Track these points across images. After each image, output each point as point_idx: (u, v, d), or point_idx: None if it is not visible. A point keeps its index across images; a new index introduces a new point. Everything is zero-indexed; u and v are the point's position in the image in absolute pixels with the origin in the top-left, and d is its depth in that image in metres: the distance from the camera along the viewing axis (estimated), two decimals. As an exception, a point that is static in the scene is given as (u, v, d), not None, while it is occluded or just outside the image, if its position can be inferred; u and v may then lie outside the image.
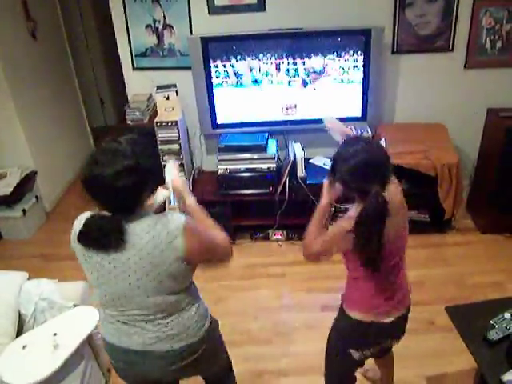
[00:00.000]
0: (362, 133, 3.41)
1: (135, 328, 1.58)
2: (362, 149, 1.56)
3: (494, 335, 1.97)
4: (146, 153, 1.48)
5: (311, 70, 3.39)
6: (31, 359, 1.98)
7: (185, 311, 1.61)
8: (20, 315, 2.17)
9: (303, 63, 3.36)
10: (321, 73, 3.40)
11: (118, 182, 1.37)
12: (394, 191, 1.66)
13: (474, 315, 2.13)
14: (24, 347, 2.02)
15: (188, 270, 1.54)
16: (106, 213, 1.46)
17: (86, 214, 1.50)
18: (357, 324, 1.81)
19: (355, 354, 1.87)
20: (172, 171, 1.74)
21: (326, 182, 1.80)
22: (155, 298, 1.52)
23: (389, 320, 1.81)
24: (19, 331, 2.16)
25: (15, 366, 1.96)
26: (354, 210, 1.64)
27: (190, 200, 1.73)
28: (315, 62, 3.35)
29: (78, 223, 1.51)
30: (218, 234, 1.65)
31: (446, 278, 3.23)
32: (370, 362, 2.33)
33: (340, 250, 1.71)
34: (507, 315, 2.07)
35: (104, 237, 1.43)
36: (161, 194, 1.64)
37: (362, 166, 1.54)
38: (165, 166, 1.86)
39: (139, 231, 1.46)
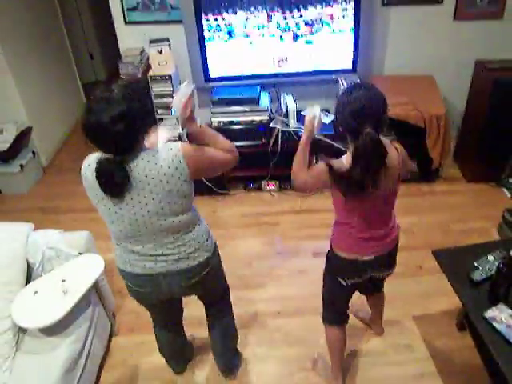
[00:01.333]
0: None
1: (158, 255, 1.77)
2: (361, 94, 1.67)
3: (477, 276, 2.10)
4: (138, 96, 1.57)
5: (302, 22, 3.39)
6: (42, 304, 2.09)
7: (196, 228, 1.81)
8: (28, 264, 2.25)
9: (293, 16, 3.36)
10: (311, 24, 3.40)
11: (113, 127, 1.48)
12: (390, 152, 1.74)
13: (459, 258, 2.25)
14: (35, 293, 2.12)
15: (192, 187, 1.71)
16: (109, 156, 1.57)
17: (93, 157, 1.63)
18: (341, 259, 1.97)
19: (342, 281, 2.03)
20: (182, 93, 1.78)
21: (307, 116, 1.95)
22: (172, 219, 1.70)
23: (371, 257, 1.94)
24: (28, 279, 2.25)
25: (28, 311, 2.07)
26: (339, 159, 1.76)
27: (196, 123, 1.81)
28: (306, 13, 3.35)
29: (87, 164, 1.64)
30: (225, 147, 1.78)
31: (433, 224, 3.35)
32: (361, 303, 2.49)
33: (324, 185, 1.81)
34: (490, 257, 2.19)
35: (115, 185, 1.58)
36: (164, 133, 1.75)
37: (359, 109, 1.65)
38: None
39: (144, 167, 1.59)
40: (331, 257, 2.04)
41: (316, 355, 2.49)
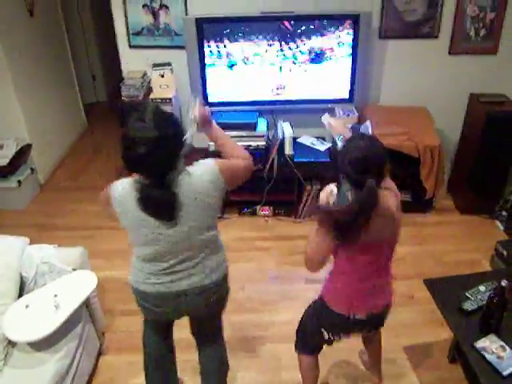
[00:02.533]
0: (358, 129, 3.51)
1: (183, 271, 1.82)
2: (362, 145, 1.69)
3: (468, 306, 2.12)
4: (169, 122, 1.65)
5: (301, 53, 3.48)
6: (33, 318, 2.09)
7: (220, 246, 1.91)
8: (21, 278, 2.26)
9: (293, 46, 3.44)
10: (310, 55, 3.49)
11: (152, 155, 1.56)
12: (389, 198, 1.76)
13: (450, 288, 2.27)
14: (27, 307, 2.12)
15: (221, 201, 1.80)
16: (148, 181, 1.63)
17: (126, 182, 1.70)
18: (331, 313, 1.93)
19: (325, 334, 2.01)
20: (195, 107, 1.91)
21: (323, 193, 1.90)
22: (206, 234, 1.78)
23: (363, 317, 1.91)
24: (20, 293, 2.25)
25: (19, 324, 2.07)
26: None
27: (214, 124, 1.93)
28: (305, 44, 3.44)
29: (120, 187, 1.71)
30: (241, 155, 1.86)
31: (425, 255, 3.36)
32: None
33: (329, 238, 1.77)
34: (482, 288, 2.21)
35: (163, 208, 1.66)
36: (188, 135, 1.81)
37: (360, 160, 1.66)
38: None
39: (184, 183, 1.67)
40: (321, 308, 2.00)
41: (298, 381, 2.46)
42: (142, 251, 1.79)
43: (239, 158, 1.85)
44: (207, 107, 1.95)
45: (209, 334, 2.20)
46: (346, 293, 1.90)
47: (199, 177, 1.70)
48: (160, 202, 1.64)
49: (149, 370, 2.23)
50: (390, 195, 1.78)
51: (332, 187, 1.88)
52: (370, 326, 2.02)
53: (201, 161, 1.77)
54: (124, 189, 1.69)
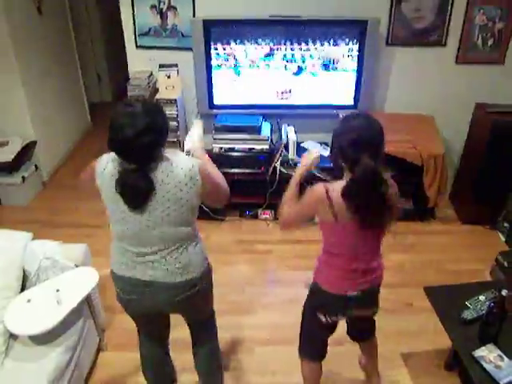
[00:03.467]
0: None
1: (149, 262, 1.80)
2: (358, 123, 1.70)
3: (468, 315, 2.12)
4: (157, 111, 1.69)
5: (307, 57, 3.49)
6: (35, 312, 2.10)
7: (191, 245, 1.85)
8: (24, 272, 2.28)
9: (300, 50, 3.46)
10: (316, 60, 3.50)
11: (138, 140, 1.58)
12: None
13: (450, 296, 2.27)
14: (29, 301, 2.14)
15: (198, 203, 1.80)
16: (131, 166, 1.64)
17: (108, 157, 1.73)
18: (323, 293, 1.94)
19: (322, 318, 1.99)
20: (193, 134, 1.99)
21: (307, 153, 1.99)
22: (174, 229, 1.76)
23: (357, 293, 1.90)
24: (23, 287, 2.26)
25: (20, 318, 2.08)
26: (336, 182, 1.76)
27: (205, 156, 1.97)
28: (311, 49, 3.46)
29: (105, 162, 1.74)
30: (221, 176, 1.90)
31: (426, 263, 3.35)
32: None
33: (312, 214, 1.83)
34: (482, 297, 2.21)
35: (139, 195, 1.67)
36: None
37: (357, 138, 1.66)
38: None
39: (162, 177, 1.67)
40: (314, 290, 2.00)
41: (296, 382, 2.45)
42: (114, 227, 1.80)
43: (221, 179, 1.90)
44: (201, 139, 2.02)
45: (199, 332, 2.19)
46: (336, 273, 1.89)
47: (179, 169, 1.69)
48: (134, 190, 1.65)
49: (147, 375, 2.25)
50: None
51: (316, 149, 1.92)
52: (365, 303, 1.99)
53: (185, 155, 1.78)
54: (108, 164, 1.72)
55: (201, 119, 2.02)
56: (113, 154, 1.70)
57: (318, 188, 1.75)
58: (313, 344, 2.16)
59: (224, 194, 1.91)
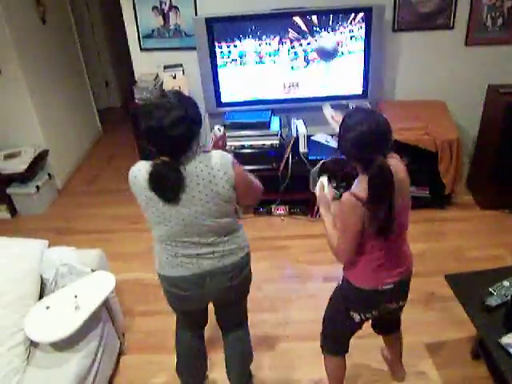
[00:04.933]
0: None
1: (202, 254, 1.85)
2: (363, 119, 1.62)
3: (492, 302, 2.07)
4: (191, 103, 1.72)
5: (313, 49, 3.46)
6: (54, 319, 2.11)
7: (237, 230, 1.93)
8: (42, 279, 2.29)
9: (306, 42, 3.43)
10: (323, 51, 3.46)
11: (173, 131, 1.62)
12: (396, 165, 1.70)
13: (473, 283, 2.22)
14: (47, 308, 2.14)
15: (235, 196, 1.81)
16: (164, 158, 1.67)
17: (143, 163, 1.74)
18: (359, 291, 1.89)
19: (356, 317, 1.95)
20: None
21: (317, 190, 1.93)
22: (217, 221, 1.80)
23: (389, 287, 1.87)
24: (41, 294, 2.28)
25: (40, 325, 2.09)
26: (355, 185, 1.71)
27: None
28: (317, 40, 3.42)
29: (137, 169, 1.75)
30: (252, 175, 1.93)
31: (445, 251, 3.30)
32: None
33: (356, 224, 1.70)
34: (506, 283, 2.16)
35: (169, 187, 1.69)
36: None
37: (365, 136, 1.60)
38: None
39: (195, 169, 1.71)
40: (347, 289, 1.94)
41: (317, 378, 2.45)
42: (155, 232, 1.84)
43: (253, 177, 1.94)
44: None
45: (233, 320, 2.22)
46: (369, 268, 1.85)
47: (213, 163, 1.72)
48: (168, 180, 1.67)
49: (180, 367, 2.27)
50: (394, 161, 1.72)
51: (322, 180, 1.92)
52: (398, 294, 1.96)
53: (219, 151, 1.81)
54: (139, 170, 1.74)
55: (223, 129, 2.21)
56: (143, 162, 1.74)
57: (349, 199, 1.68)
58: (339, 341, 2.13)
59: (256, 190, 1.96)
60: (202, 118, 1.78)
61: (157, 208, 1.74)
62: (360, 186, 1.67)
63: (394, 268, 1.86)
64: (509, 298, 2.04)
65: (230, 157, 1.78)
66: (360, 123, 1.61)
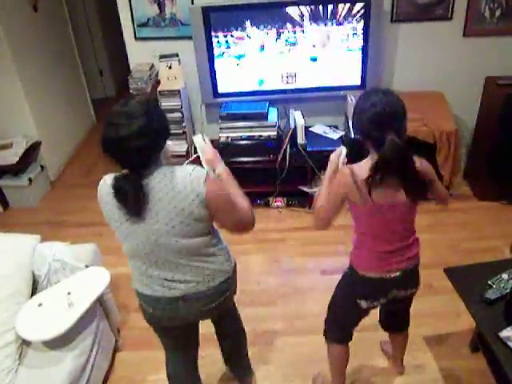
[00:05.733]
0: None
1: (175, 280, 1.71)
2: (379, 100, 1.62)
3: (491, 295, 2.06)
4: (157, 112, 1.57)
5: (311, 39, 3.40)
6: (47, 316, 2.06)
7: (215, 252, 1.75)
8: (34, 276, 2.24)
9: (303, 32, 3.38)
10: (321, 41, 3.42)
11: (132, 142, 1.48)
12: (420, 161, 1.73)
13: (471, 276, 2.21)
14: (40, 305, 2.10)
15: (209, 216, 1.63)
16: (125, 171, 1.56)
17: (109, 175, 1.62)
18: (365, 279, 1.88)
19: (363, 304, 1.93)
20: (201, 146, 1.84)
21: (334, 153, 1.88)
22: (187, 241, 1.63)
23: (398, 274, 1.86)
24: (33, 291, 2.23)
25: (32, 323, 2.05)
26: (359, 163, 1.73)
27: (221, 170, 1.80)
28: (315, 30, 3.37)
29: (102, 181, 1.65)
30: (241, 199, 1.74)
31: (443, 243, 3.29)
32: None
33: (343, 201, 1.76)
34: (505, 276, 2.15)
35: (130, 201, 1.55)
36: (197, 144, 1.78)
37: (379, 115, 1.60)
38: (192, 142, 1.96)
39: (158, 183, 1.56)
40: (353, 278, 1.93)
41: (317, 372, 2.43)
42: (123, 247, 1.71)
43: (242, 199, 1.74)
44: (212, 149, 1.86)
45: (228, 329, 2.18)
46: (374, 256, 1.84)
47: (178, 178, 1.56)
48: (127, 195, 1.53)
49: None
50: (418, 161, 1.73)
51: (342, 148, 1.86)
52: (406, 283, 1.94)
53: (190, 165, 1.63)
54: (104, 181, 1.64)
55: (201, 135, 1.90)
56: (111, 174, 1.62)
57: (344, 172, 1.72)
58: (344, 328, 2.11)
59: (242, 219, 1.71)
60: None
61: (121, 222, 1.62)
62: (364, 165, 1.69)
63: (399, 255, 1.85)
64: (507, 290, 2.04)
65: (202, 172, 1.59)
66: (374, 104, 1.61)
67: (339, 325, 2.11)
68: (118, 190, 1.55)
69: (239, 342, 2.28)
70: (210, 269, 1.73)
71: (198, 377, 2.19)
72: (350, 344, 2.14)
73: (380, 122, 1.60)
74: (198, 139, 1.86)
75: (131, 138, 1.47)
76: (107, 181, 1.61)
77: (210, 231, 1.71)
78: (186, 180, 1.56)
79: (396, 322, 2.24)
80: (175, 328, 1.91)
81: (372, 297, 1.93)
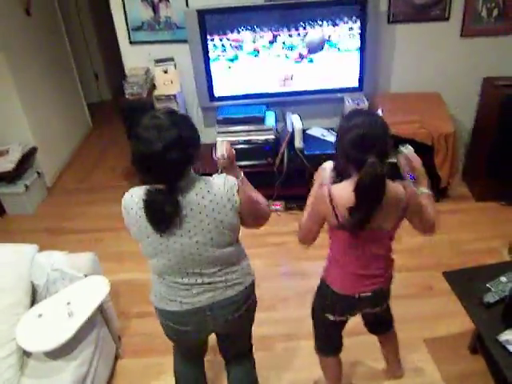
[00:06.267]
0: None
1: (204, 285, 1.71)
2: (361, 122, 1.61)
3: (490, 298, 2.06)
4: (186, 123, 1.56)
5: (307, 41, 3.39)
6: (47, 327, 2.05)
7: (242, 259, 1.80)
8: (33, 286, 2.22)
9: (299, 34, 3.37)
10: (317, 43, 3.41)
11: (166, 155, 1.45)
12: (395, 187, 1.69)
13: (471, 279, 2.21)
14: (40, 316, 2.08)
15: (239, 223, 1.69)
16: (159, 186, 1.52)
17: (137, 190, 1.60)
18: (335, 295, 1.89)
19: (330, 317, 1.95)
20: (221, 148, 1.81)
21: (320, 168, 1.89)
22: (220, 251, 1.66)
23: (369, 294, 1.86)
24: (33, 302, 2.22)
25: (33, 334, 2.03)
26: (338, 184, 1.71)
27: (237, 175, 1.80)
28: (311, 33, 3.36)
29: (130, 196, 1.61)
30: (258, 195, 1.79)
31: (442, 244, 3.29)
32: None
33: (321, 219, 1.76)
34: (503, 279, 2.15)
35: (165, 217, 1.53)
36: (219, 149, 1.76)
37: (360, 137, 1.58)
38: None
39: (195, 197, 1.56)
40: (323, 291, 1.95)
41: (318, 377, 2.41)
42: (152, 264, 1.70)
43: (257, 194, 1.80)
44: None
45: (238, 351, 2.11)
46: (348, 277, 1.85)
47: (215, 189, 1.58)
48: (164, 211, 1.51)
49: None
50: (398, 185, 1.70)
51: (326, 164, 1.85)
52: (375, 302, 1.95)
53: (221, 175, 1.66)
54: (132, 197, 1.60)
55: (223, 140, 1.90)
56: (136, 188, 1.60)
57: (322, 190, 1.71)
58: (326, 340, 2.13)
59: (263, 213, 1.79)
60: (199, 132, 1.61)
61: (153, 239, 1.60)
62: (344, 188, 1.67)
63: (374, 278, 1.85)
64: (506, 293, 2.04)
65: (234, 181, 1.62)
66: (357, 125, 1.60)
67: (321, 337, 2.13)
68: (153, 205, 1.52)
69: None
70: (238, 273, 1.76)
71: (205, 380, 2.20)
72: (347, 347, 2.15)
73: (361, 144, 1.58)
74: (220, 143, 1.85)
75: (165, 150, 1.45)
76: (135, 196, 1.59)
77: (238, 238, 1.76)
78: (222, 191, 1.58)
79: (378, 324, 2.25)
80: (196, 343, 1.95)
81: (338, 312, 1.94)
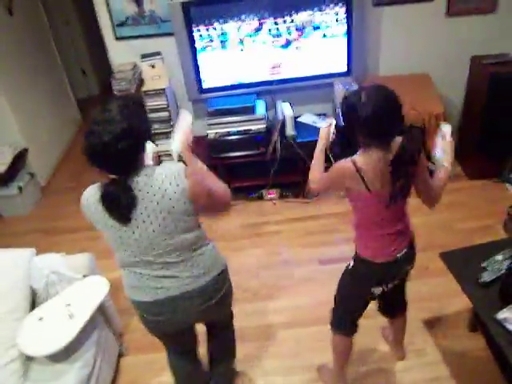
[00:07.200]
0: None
1: (170, 277, 1.72)
2: (383, 97, 1.63)
3: (486, 277, 2.08)
4: (136, 115, 1.59)
5: (294, 28, 3.37)
6: (48, 330, 2.05)
7: (204, 247, 1.78)
8: (32, 290, 2.23)
9: (285, 21, 3.34)
10: (303, 29, 3.38)
11: (116, 146, 1.49)
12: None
13: (466, 259, 2.23)
14: (40, 319, 2.09)
15: (194, 209, 1.67)
16: (112, 176, 1.57)
17: (93, 187, 1.64)
18: (376, 266, 1.90)
19: (378, 291, 1.97)
20: (187, 124, 1.84)
21: (323, 126, 1.96)
22: (179, 238, 1.67)
23: (400, 255, 1.90)
24: (32, 305, 2.22)
25: (34, 338, 2.04)
26: (358, 155, 1.74)
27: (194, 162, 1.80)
28: (297, 18, 3.33)
29: (87, 193, 1.65)
30: (217, 182, 1.77)
31: (437, 224, 3.30)
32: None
33: (341, 188, 1.85)
34: (498, 257, 2.17)
35: (122, 207, 1.57)
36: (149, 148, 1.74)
37: (389, 110, 1.63)
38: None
39: (145, 185, 1.59)
40: (363, 269, 1.95)
41: (321, 363, 2.45)
42: (118, 254, 1.72)
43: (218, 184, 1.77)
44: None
45: (220, 323, 2.15)
46: (383, 241, 1.88)
47: (164, 178, 1.60)
48: (117, 200, 1.56)
49: None
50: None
51: (331, 121, 1.94)
52: (411, 257, 1.99)
53: (169, 162, 1.68)
54: (88, 193, 1.64)
55: (189, 114, 1.88)
56: (93, 185, 1.63)
57: (346, 164, 1.73)
58: (352, 319, 2.13)
59: (221, 197, 1.76)
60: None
61: (114, 232, 1.63)
62: (362, 156, 1.72)
63: (402, 235, 1.91)
64: (502, 271, 2.05)
65: (180, 166, 1.64)
66: (376, 99, 1.62)
67: (347, 316, 2.13)
68: (108, 196, 1.57)
69: (228, 355, 2.29)
70: (205, 262, 1.76)
71: (203, 372, 2.24)
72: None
73: (390, 117, 1.63)
74: (187, 116, 1.85)
75: (115, 141, 1.48)
76: (93, 192, 1.62)
77: (199, 224, 1.75)
78: (169, 177, 1.60)
79: (396, 305, 2.27)
80: (177, 333, 1.93)
81: (385, 281, 1.96)
